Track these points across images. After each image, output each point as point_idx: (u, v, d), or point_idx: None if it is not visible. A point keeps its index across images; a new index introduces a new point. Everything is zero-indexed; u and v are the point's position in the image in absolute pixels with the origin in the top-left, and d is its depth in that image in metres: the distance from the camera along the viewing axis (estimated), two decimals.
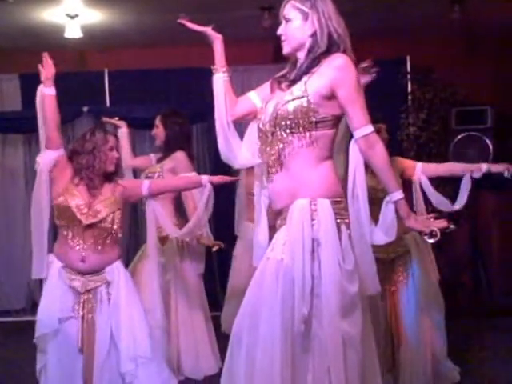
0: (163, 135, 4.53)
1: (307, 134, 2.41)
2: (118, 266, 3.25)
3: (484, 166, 3.74)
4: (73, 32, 5.74)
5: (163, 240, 4.29)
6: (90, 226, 3.14)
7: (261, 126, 2.52)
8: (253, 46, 6.24)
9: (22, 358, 3.65)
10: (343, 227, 2.41)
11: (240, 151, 2.64)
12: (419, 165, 3.79)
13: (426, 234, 2.44)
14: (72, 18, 5.64)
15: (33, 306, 6.65)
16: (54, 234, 3.36)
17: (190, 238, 4.30)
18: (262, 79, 2.74)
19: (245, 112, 2.66)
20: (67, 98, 6.47)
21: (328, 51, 2.43)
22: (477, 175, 3.73)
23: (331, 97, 2.41)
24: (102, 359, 3.09)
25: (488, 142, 6.17)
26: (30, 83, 6.70)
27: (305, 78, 2.43)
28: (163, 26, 5.39)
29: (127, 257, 5.09)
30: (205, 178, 3.67)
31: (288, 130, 2.42)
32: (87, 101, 6.48)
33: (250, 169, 3.26)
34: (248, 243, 3.87)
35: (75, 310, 3.11)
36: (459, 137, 6.32)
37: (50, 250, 3.24)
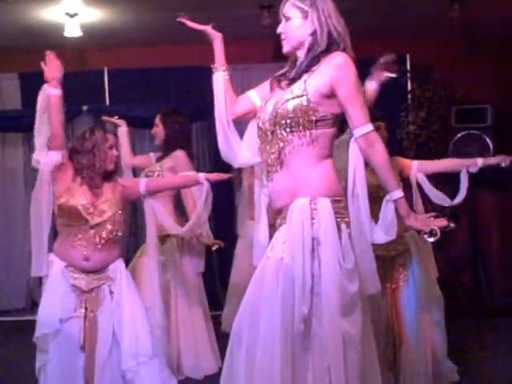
0: (163, 134, 4.53)
1: (307, 132, 2.40)
2: (120, 264, 3.26)
3: (480, 161, 3.76)
4: (72, 31, 5.73)
5: (163, 239, 4.29)
6: (94, 226, 3.14)
7: (260, 124, 2.51)
8: (253, 45, 6.24)
9: (21, 358, 3.65)
10: (343, 226, 2.40)
11: (240, 150, 2.64)
12: (415, 162, 3.82)
13: (425, 233, 2.44)
14: (71, 16, 5.64)
15: (33, 306, 6.65)
16: (53, 233, 3.35)
17: (190, 237, 4.31)
18: (261, 78, 2.74)
19: (245, 111, 2.66)
20: (67, 96, 6.52)
21: (328, 50, 2.43)
22: (473, 170, 3.74)
23: (331, 95, 2.40)
24: (103, 358, 3.09)
25: (488, 140, 6.17)
26: (30, 82, 6.78)
27: (304, 77, 2.43)
28: (163, 24, 5.38)
29: (127, 257, 5.07)
30: (202, 176, 3.70)
31: (288, 129, 2.42)
32: (87, 100, 6.48)
33: (253, 167, 3.28)
34: (249, 242, 3.88)
35: (78, 309, 3.11)
36: (459, 135, 6.32)
37: (50, 250, 3.23)
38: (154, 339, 3.21)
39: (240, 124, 2.71)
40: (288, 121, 2.41)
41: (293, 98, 2.40)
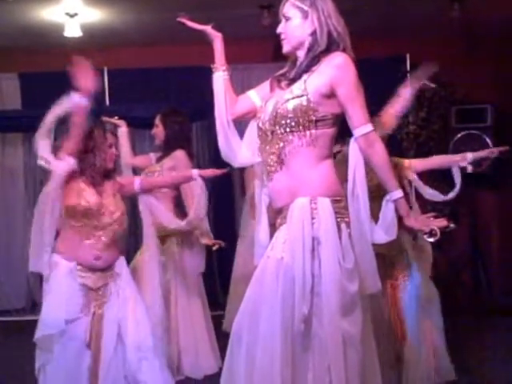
0: (163, 134, 4.53)
1: (307, 132, 2.40)
2: (123, 260, 3.32)
3: (469, 155, 3.84)
4: (72, 31, 5.74)
5: (163, 239, 4.29)
6: (103, 225, 3.16)
7: (260, 124, 2.51)
8: (252, 45, 6.24)
9: (21, 358, 3.64)
10: (343, 226, 2.41)
11: (240, 150, 2.65)
12: (406, 161, 3.85)
13: (425, 233, 2.44)
14: (71, 16, 5.64)
15: (33, 306, 6.66)
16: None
17: (190, 232, 4.31)
18: (261, 78, 2.74)
19: (245, 111, 2.66)
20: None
21: (328, 50, 2.43)
22: (463, 164, 3.82)
23: (331, 95, 2.40)
24: (109, 355, 3.10)
25: (488, 140, 6.17)
26: (30, 82, 6.81)
27: (304, 77, 2.43)
28: (163, 24, 5.39)
29: (127, 257, 5.07)
30: (195, 172, 3.78)
31: (288, 129, 2.42)
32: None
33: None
34: (250, 240, 3.90)
35: (85, 308, 3.11)
36: (459, 135, 6.33)
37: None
38: (155, 336, 3.23)
39: (240, 124, 2.71)
40: (288, 121, 2.41)
41: (293, 98, 2.40)
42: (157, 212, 3.68)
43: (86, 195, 3.14)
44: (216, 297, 6.01)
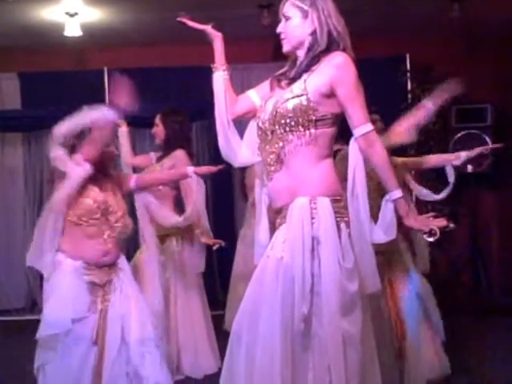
0: (163, 134, 4.53)
1: (307, 132, 2.40)
2: (124, 257, 3.34)
3: (463, 154, 3.85)
4: (72, 30, 5.74)
5: (163, 239, 4.29)
6: (110, 222, 3.19)
7: (260, 124, 2.51)
8: (252, 44, 6.24)
9: (21, 357, 3.64)
10: (343, 226, 2.41)
11: (240, 149, 2.65)
12: (399, 160, 3.86)
13: (425, 233, 2.44)
14: (71, 16, 5.64)
15: (33, 306, 6.66)
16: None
17: (189, 228, 4.32)
18: (261, 77, 2.74)
19: (244, 110, 2.66)
20: (67, 96, 6.53)
21: (328, 49, 2.43)
22: (457, 163, 3.83)
23: (331, 95, 2.40)
24: (113, 354, 3.10)
25: (488, 139, 6.17)
26: (30, 82, 6.81)
27: (304, 76, 2.43)
28: (163, 24, 5.39)
29: (127, 257, 5.08)
30: (190, 169, 3.80)
31: (287, 128, 2.42)
32: (87, 99, 6.44)
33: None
34: (250, 240, 3.91)
35: (92, 306, 3.12)
36: (459, 135, 6.33)
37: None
38: (156, 331, 3.24)
39: (240, 124, 2.71)
40: (288, 120, 2.41)
41: (293, 98, 2.40)
42: (154, 209, 3.69)
43: (93, 194, 3.15)
44: (216, 296, 6.00)
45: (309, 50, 2.46)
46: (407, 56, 6.65)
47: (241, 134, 2.66)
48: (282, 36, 2.51)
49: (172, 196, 4.43)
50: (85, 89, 6.50)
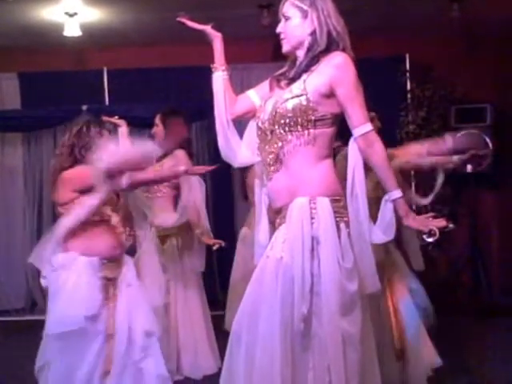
0: (163, 134, 4.53)
1: (306, 132, 2.40)
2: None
3: (455, 158, 3.80)
4: (72, 30, 5.73)
5: (163, 239, 4.29)
6: (115, 216, 3.28)
7: (260, 124, 2.51)
8: (252, 44, 6.23)
9: (21, 357, 3.65)
10: (342, 226, 2.40)
11: (240, 149, 2.65)
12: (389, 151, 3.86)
13: (424, 233, 2.44)
14: (71, 16, 5.63)
15: (32, 306, 6.66)
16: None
17: (191, 234, 4.32)
18: (261, 77, 2.74)
19: (244, 110, 2.66)
20: (66, 96, 6.54)
21: (327, 49, 2.43)
22: (449, 167, 3.80)
23: (330, 95, 2.40)
24: (123, 347, 3.12)
25: (487, 139, 6.16)
26: (30, 82, 6.80)
27: (304, 77, 2.43)
28: (162, 24, 5.39)
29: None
30: (182, 168, 3.78)
31: (287, 128, 2.42)
32: (86, 99, 6.47)
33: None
34: (250, 240, 3.91)
35: (104, 301, 3.13)
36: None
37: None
38: (158, 327, 3.27)
39: (240, 124, 2.71)
40: (287, 120, 2.41)
41: (292, 98, 2.40)
42: (150, 211, 3.71)
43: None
44: (216, 296, 6.00)
45: (308, 50, 2.46)
46: (407, 56, 6.64)
47: (240, 134, 2.66)
48: (282, 36, 2.52)
49: (172, 196, 4.43)
50: (84, 89, 6.51)
